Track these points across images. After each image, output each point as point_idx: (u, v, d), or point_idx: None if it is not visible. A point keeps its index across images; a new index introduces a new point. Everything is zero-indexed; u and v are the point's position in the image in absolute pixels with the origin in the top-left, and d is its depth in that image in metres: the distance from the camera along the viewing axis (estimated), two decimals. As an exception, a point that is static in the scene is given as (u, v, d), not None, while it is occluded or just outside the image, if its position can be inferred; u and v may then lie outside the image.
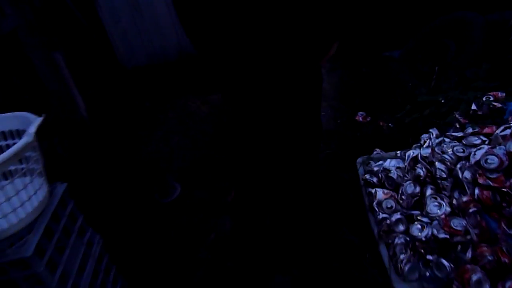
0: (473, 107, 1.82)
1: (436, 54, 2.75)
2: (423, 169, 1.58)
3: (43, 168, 1.50)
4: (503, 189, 1.28)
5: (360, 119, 2.82)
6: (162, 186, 2.49)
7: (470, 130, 1.66)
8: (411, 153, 1.68)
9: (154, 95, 3.67)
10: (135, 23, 3.59)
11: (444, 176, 1.50)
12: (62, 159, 2.85)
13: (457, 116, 1.85)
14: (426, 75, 2.62)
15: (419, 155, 1.63)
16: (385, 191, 1.64)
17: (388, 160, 1.85)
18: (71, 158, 2.87)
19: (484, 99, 1.85)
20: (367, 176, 1.77)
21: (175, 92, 3.68)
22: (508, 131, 1.42)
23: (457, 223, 1.34)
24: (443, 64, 2.52)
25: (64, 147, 2.89)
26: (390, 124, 2.33)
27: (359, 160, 2.02)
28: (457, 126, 1.83)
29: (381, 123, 2.66)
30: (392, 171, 1.68)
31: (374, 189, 1.67)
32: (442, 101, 2.05)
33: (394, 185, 1.67)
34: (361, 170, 1.90)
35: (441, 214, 1.40)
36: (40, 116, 1.47)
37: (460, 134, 1.65)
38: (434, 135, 1.76)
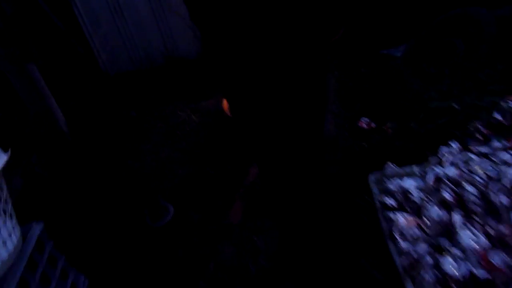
0: (496, 115, 1.64)
1: (443, 54, 2.58)
2: (450, 191, 1.40)
3: (12, 208, 1.29)
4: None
5: (364, 126, 2.64)
6: (153, 209, 2.27)
7: (497, 143, 1.48)
8: (433, 171, 1.50)
9: (140, 103, 3.43)
10: (117, 26, 3.34)
11: (476, 200, 1.32)
12: (41, 179, 2.60)
13: (478, 126, 1.68)
14: (433, 76, 2.45)
15: (444, 175, 1.45)
16: (407, 216, 1.45)
17: (406, 179, 1.67)
18: (51, 178, 2.62)
19: (504, 105, 1.68)
20: (384, 198, 1.59)
21: (163, 99, 3.45)
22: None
23: (498, 259, 1.16)
24: (452, 65, 2.35)
25: (43, 166, 2.65)
26: (399, 132, 2.15)
27: (372, 177, 1.83)
28: (479, 137, 1.65)
29: (388, 131, 2.49)
30: (413, 193, 1.50)
31: (393, 213, 1.49)
32: (457, 108, 1.87)
33: (415, 208, 1.49)
34: (375, 190, 1.71)
35: (478, 247, 1.22)
36: (6, 151, 1.25)
37: (487, 149, 1.48)
38: (456, 149, 1.58)
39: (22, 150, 2.63)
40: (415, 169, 1.72)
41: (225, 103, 3.74)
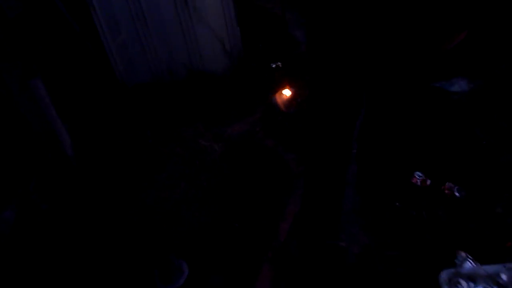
0: None
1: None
2: None
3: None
4: None
5: (418, 182, 2.24)
6: (165, 268, 1.90)
7: None
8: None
9: (158, 121, 3.06)
10: (138, 34, 2.97)
11: None
12: (38, 212, 2.24)
13: None
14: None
15: None
16: None
17: (490, 284, 1.26)
18: (49, 211, 2.27)
19: None
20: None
21: (183, 119, 3.07)
22: None
23: None
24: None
25: (42, 196, 2.29)
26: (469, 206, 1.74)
27: (444, 276, 1.42)
28: None
29: (449, 193, 2.07)
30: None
31: None
32: None
33: None
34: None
35: None
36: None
37: None
38: None
39: (19, 176, 2.28)
40: (503, 269, 1.30)
41: (279, 98, 3.39)
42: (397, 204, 1.97)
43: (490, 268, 1.33)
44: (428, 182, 2.21)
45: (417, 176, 2.23)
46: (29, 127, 2.25)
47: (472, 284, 1.35)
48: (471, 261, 1.49)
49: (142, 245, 2.08)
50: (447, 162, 2.27)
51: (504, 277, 1.21)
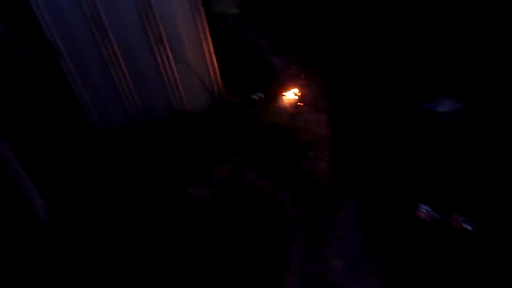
0: None
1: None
2: None
3: None
4: None
5: (425, 216, 2.12)
6: None
7: None
8: None
9: (139, 168, 2.85)
10: (111, 78, 2.79)
11: None
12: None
13: None
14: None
15: None
16: None
17: None
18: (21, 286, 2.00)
19: None
20: None
21: (166, 163, 2.87)
22: None
23: None
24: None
25: (11, 267, 2.03)
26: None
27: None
28: None
29: (458, 227, 1.96)
30: None
31: None
32: None
33: None
34: None
35: None
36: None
37: None
38: None
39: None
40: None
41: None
42: (419, 261, 1.84)
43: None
44: (437, 216, 2.10)
45: (424, 211, 2.11)
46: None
47: None
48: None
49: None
50: (452, 190, 2.17)
51: None
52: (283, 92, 3.60)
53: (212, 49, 3.05)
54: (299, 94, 3.59)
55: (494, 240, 1.79)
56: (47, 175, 2.53)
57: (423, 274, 1.77)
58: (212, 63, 3.02)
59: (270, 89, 3.66)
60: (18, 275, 2.05)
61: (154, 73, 2.83)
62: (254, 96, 3.50)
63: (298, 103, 3.46)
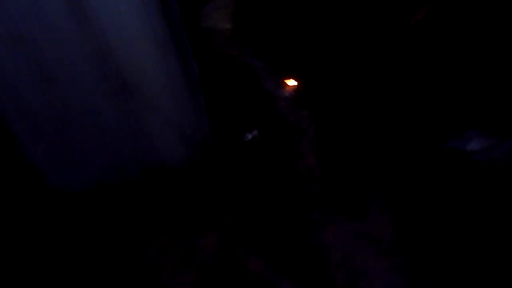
0: None
1: None
2: None
3: None
4: None
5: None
6: None
7: None
8: None
9: (105, 239, 2.34)
10: (64, 134, 2.28)
11: None
12: None
13: None
14: None
15: None
16: None
17: None
18: None
19: None
20: None
21: (138, 233, 2.36)
22: None
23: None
24: None
25: None
26: None
27: None
28: None
29: None
30: None
31: None
32: None
33: None
34: None
35: None
36: None
37: None
38: None
39: None
40: None
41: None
42: None
43: None
44: None
45: None
46: None
47: None
48: None
49: None
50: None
51: None
52: (280, 127, 3.08)
53: (198, 88, 2.53)
54: (299, 128, 3.06)
55: None
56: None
57: None
58: (196, 106, 2.49)
59: (266, 123, 3.13)
60: None
61: (121, 124, 2.31)
62: (247, 136, 2.97)
63: (298, 142, 2.93)
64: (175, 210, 2.42)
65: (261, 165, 2.67)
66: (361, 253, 2.01)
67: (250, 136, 2.96)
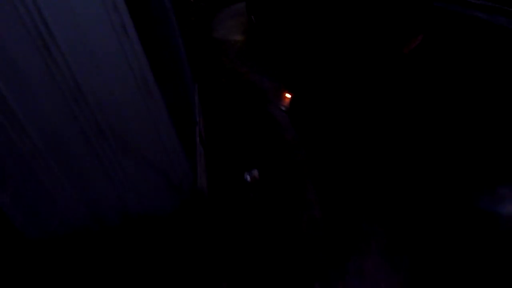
0: None
1: None
2: None
3: None
4: None
5: None
6: None
7: None
8: None
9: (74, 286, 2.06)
10: (34, 175, 2.01)
11: None
12: None
13: None
14: None
15: None
16: None
17: None
18: None
19: None
20: None
21: (119, 286, 2.07)
22: None
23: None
24: None
25: None
26: None
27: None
28: None
29: None
30: None
31: None
32: None
33: None
34: None
35: None
36: None
37: None
38: None
39: None
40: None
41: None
42: None
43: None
44: None
45: None
46: None
47: None
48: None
49: None
50: None
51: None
52: (284, 165, 2.74)
53: (191, 128, 2.22)
54: (307, 168, 2.72)
55: None
56: None
57: None
58: (182, 151, 2.18)
59: (271, 160, 2.80)
60: None
61: (97, 170, 2.02)
62: (247, 177, 2.64)
63: (304, 186, 2.58)
64: (153, 267, 2.12)
65: (259, 215, 2.34)
66: None
67: (249, 178, 2.63)
